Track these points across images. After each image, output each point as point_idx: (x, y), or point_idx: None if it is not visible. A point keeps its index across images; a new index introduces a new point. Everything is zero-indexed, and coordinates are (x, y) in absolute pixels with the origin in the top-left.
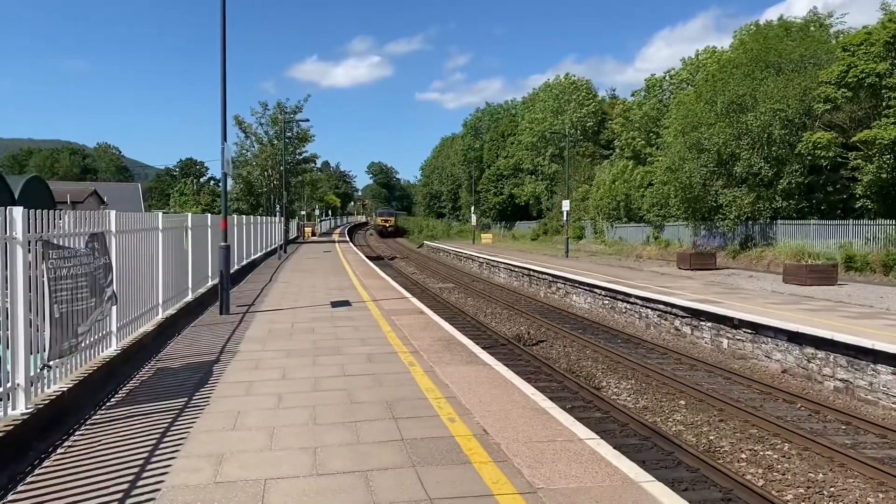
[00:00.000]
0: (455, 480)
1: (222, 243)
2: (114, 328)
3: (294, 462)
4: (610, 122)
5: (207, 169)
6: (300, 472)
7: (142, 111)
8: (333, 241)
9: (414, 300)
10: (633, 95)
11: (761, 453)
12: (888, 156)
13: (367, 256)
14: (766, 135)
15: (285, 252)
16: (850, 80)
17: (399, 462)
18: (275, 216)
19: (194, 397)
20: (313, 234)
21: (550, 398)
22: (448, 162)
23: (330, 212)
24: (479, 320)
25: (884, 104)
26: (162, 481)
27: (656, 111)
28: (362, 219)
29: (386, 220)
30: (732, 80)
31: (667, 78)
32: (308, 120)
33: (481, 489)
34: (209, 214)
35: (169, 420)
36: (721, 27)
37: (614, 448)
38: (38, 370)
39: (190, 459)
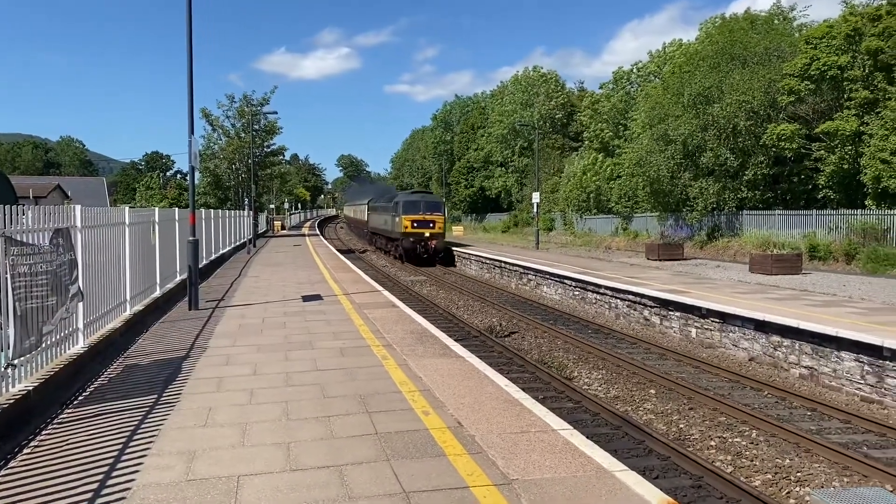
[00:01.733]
0: (430, 473)
1: (190, 238)
2: (80, 325)
3: (267, 458)
4: (578, 114)
5: (174, 162)
6: (274, 467)
7: (106, 104)
8: (303, 235)
9: (386, 293)
10: (601, 88)
11: (730, 440)
12: (849, 147)
13: (337, 250)
14: (731, 126)
15: (254, 246)
16: (812, 73)
17: (373, 456)
18: (243, 210)
19: (164, 394)
20: (283, 227)
21: (523, 389)
22: (418, 155)
23: (299, 205)
24: (451, 312)
25: (845, 96)
26: (133, 480)
27: (624, 103)
28: (332, 212)
29: (426, 221)
30: (699, 73)
31: (634, 70)
32: (276, 112)
33: (456, 481)
34: (176, 209)
35: (139, 417)
36: (688, 20)
37: (587, 438)
38: (3, 369)
39: (161, 457)
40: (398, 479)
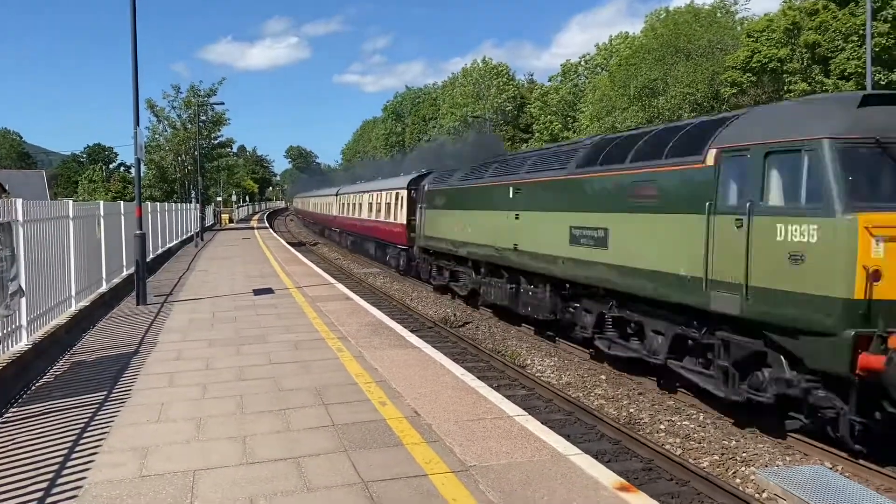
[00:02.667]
0: (388, 463)
1: (137, 231)
2: (23, 322)
3: (223, 452)
4: (528, 106)
5: (117, 155)
6: (230, 461)
7: (44, 95)
8: (252, 228)
9: (339, 286)
10: (550, 80)
11: (679, 423)
12: None
13: (288, 243)
14: (676, 118)
15: (202, 240)
16: (754, 65)
17: (331, 447)
18: (190, 203)
19: (114, 390)
20: (231, 220)
21: (478, 377)
22: (370, 146)
23: (248, 197)
24: (405, 304)
25: (785, 88)
26: (84, 478)
27: (573, 95)
28: (282, 204)
29: None
30: (644, 65)
31: (582, 63)
32: (223, 103)
33: (414, 470)
34: (122, 202)
35: (88, 415)
36: (634, 12)
37: (541, 423)
38: None
39: (113, 454)
40: (356, 469)
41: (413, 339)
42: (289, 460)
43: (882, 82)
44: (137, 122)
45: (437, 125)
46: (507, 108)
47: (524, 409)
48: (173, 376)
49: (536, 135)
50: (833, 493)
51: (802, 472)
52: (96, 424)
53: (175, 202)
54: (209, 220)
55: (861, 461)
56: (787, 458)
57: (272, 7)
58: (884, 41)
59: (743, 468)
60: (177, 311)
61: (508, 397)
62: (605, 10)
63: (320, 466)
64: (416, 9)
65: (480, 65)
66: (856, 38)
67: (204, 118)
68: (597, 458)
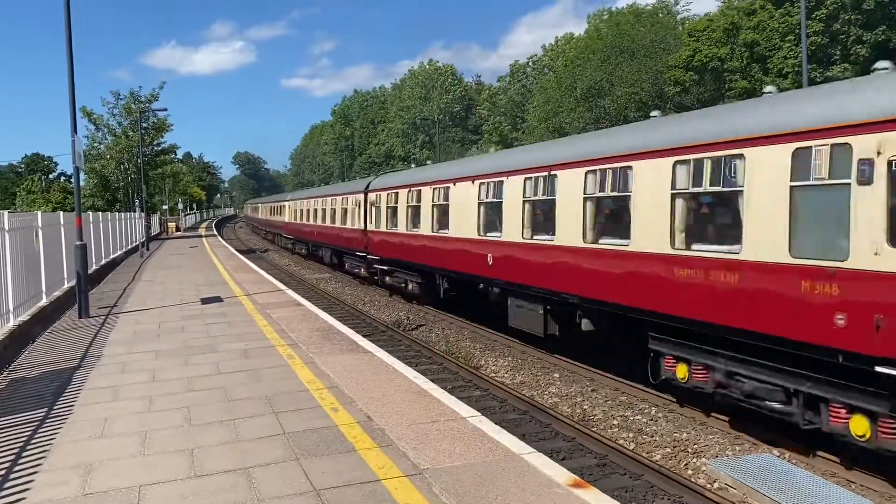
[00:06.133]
0: (341, 469)
1: (78, 242)
2: None
3: (170, 465)
4: (477, 107)
5: (57, 164)
6: (177, 475)
7: None
8: (200, 236)
9: (290, 292)
10: (498, 81)
11: (631, 418)
12: None
13: (237, 250)
14: (622, 117)
15: (148, 249)
16: (696, 64)
17: (282, 456)
18: (134, 212)
19: (56, 407)
20: (177, 229)
21: (432, 380)
22: (319, 150)
23: (195, 205)
24: (358, 309)
25: (726, 86)
26: (23, 499)
27: (521, 96)
28: (231, 211)
29: None
30: (590, 66)
31: (529, 64)
32: (165, 109)
33: (367, 475)
34: (61, 213)
35: (28, 432)
36: (580, 13)
37: (496, 424)
38: None
39: (55, 472)
40: (308, 477)
41: (365, 343)
42: (239, 471)
43: (818, 80)
44: (75, 130)
45: (385, 128)
46: (455, 110)
47: (478, 410)
48: (118, 390)
49: (486, 136)
50: (780, 480)
51: (752, 462)
52: (37, 443)
53: (118, 211)
54: (155, 230)
55: (807, 449)
56: (737, 448)
57: (215, 11)
58: (819, 39)
59: (694, 460)
60: (122, 323)
61: (463, 399)
62: (552, 12)
63: (271, 476)
64: (362, 11)
65: (427, 66)
66: (792, 38)
67: (146, 125)
68: (551, 456)
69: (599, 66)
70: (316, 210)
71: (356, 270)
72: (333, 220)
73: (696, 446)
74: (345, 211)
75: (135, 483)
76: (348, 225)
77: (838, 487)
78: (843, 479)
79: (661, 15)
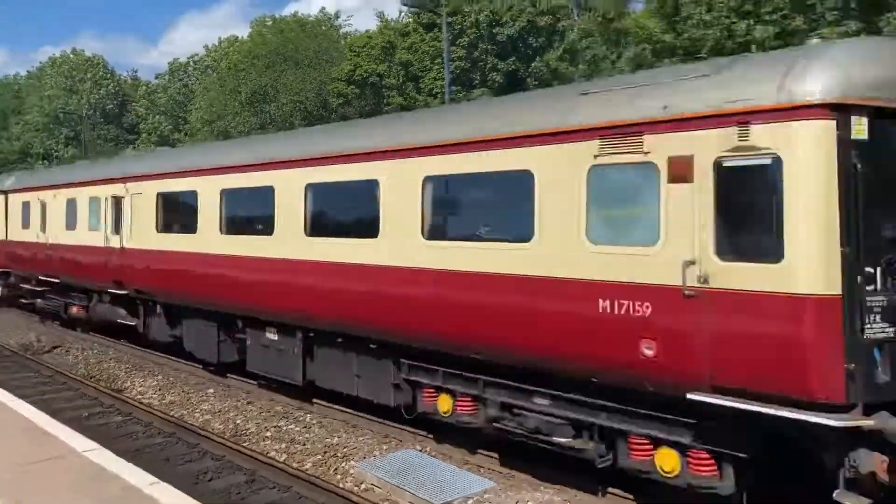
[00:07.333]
0: None
1: None
2: None
3: None
4: (133, 104)
5: None
6: None
7: None
8: None
9: None
10: (157, 78)
11: (285, 428)
12: None
13: None
14: (288, 125)
15: None
16: (357, 78)
17: None
18: None
19: None
20: None
21: (62, 410)
22: None
23: None
24: None
25: (385, 101)
26: None
27: (183, 96)
28: None
29: None
30: (255, 71)
31: (191, 63)
32: None
33: None
34: None
35: None
36: (248, 16)
37: (136, 451)
38: None
39: None
40: None
41: None
42: None
43: (462, 100)
44: None
45: (20, 121)
46: (108, 106)
47: (117, 437)
48: None
49: (144, 135)
50: (421, 474)
51: (396, 459)
52: None
53: None
54: None
55: (444, 443)
56: (384, 447)
57: None
58: (463, 64)
59: (343, 463)
60: None
61: (96, 427)
62: (220, 12)
63: None
64: None
65: (72, 56)
66: (440, 61)
67: None
68: (197, 479)
69: (264, 72)
70: None
71: None
72: None
73: (345, 449)
74: None
75: None
76: None
77: (470, 474)
78: (474, 465)
79: (324, 28)
